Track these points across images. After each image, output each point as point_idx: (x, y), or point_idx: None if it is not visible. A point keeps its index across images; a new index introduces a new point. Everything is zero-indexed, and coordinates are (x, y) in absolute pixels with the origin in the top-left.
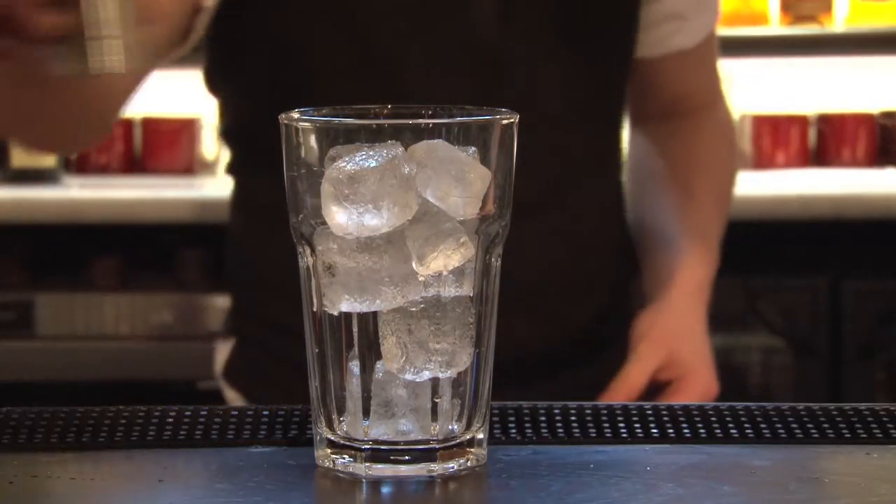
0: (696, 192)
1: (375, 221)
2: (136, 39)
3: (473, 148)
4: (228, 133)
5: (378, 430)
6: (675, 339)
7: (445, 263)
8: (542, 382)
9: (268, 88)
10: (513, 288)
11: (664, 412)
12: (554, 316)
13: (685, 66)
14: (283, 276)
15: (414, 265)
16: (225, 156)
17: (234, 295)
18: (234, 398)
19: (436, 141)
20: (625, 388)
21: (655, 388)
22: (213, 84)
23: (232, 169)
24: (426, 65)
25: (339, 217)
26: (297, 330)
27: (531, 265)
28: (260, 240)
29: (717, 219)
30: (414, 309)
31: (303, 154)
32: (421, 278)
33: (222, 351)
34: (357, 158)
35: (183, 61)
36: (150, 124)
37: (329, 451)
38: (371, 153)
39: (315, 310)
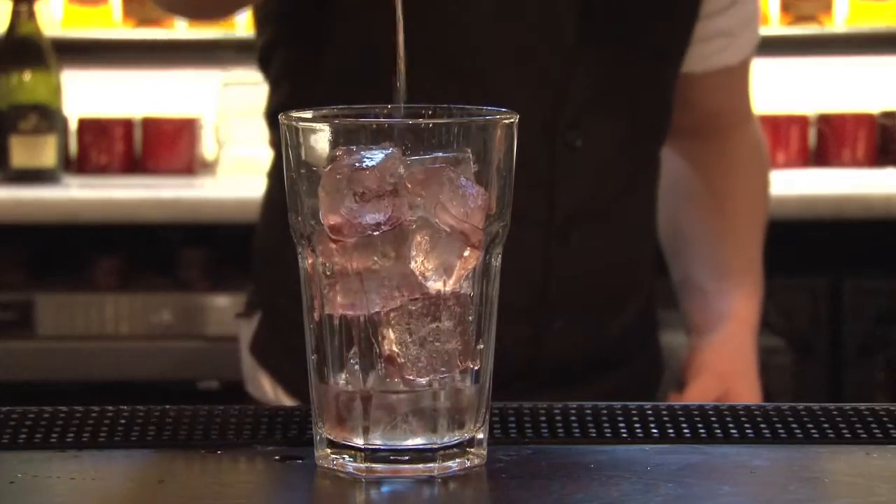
0: (739, 221)
1: (374, 221)
2: None
3: (468, 150)
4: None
5: (378, 430)
6: (733, 377)
7: (455, 276)
8: (577, 388)
9: (335, 75)
10: (554, 296)
11: (664, 412)
12: (592, 324)
13: (727, 82)
14: None
15: (420, 280)
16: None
17: (265, 268)
18: (260, 376)
19: (433, 167)
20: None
21: None
22: (268, 63)
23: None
24: (502, 73)
25: (336, 220)
26: None
27: (574, 274)
28: None
29: (760, 247)
30: (414, 308)
31: (303, 154)
32: (421, 278)
33: (247, 328)
34: (353, 160)
35: (183, 62)
36: (150, 124)
37: (329, 451)
38: (366, 154)
39: (315, 310)
